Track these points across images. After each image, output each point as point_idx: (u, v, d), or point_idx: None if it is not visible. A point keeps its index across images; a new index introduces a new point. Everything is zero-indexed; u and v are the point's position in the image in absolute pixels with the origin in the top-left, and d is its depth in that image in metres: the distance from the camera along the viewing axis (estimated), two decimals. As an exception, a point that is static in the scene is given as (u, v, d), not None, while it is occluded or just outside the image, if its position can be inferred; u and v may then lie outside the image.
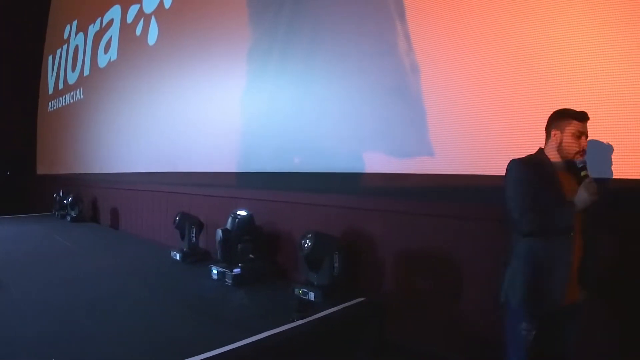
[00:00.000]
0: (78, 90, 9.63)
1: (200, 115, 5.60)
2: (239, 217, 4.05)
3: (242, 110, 4.95)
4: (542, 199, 2.06)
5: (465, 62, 3.11)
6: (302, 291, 3.53)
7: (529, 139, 2.72)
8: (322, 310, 3.24)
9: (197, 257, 4.80)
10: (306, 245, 3.46)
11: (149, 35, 6.83)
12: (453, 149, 3.18)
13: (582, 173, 2.09)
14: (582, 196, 2.03)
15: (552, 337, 2.19)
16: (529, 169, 2.13)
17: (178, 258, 4.83)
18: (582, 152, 2.16)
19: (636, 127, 2.42)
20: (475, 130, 3.05)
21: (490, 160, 2.98)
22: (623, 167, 2.46)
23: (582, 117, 2.16)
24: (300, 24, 4.29)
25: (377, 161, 3.62)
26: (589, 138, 2.18)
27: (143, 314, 3.26)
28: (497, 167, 2.88)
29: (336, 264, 3.49)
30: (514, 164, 2.18)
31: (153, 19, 6.75)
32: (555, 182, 2.13)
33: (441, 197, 3.23)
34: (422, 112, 3.34)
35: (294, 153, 4.31)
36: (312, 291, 3.48)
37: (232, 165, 5.02)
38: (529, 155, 2.24)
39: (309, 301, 3.45)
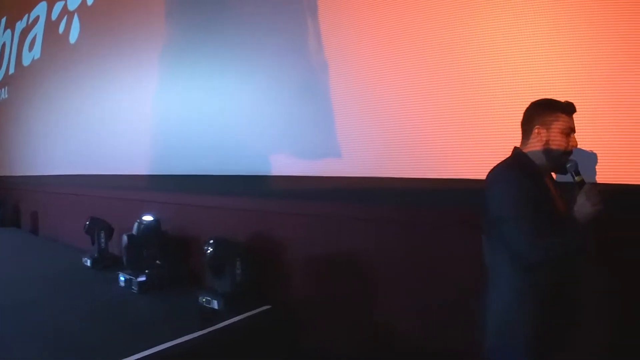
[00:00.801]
0: (3, 90, 9.22)
1: (116, 116, 5.44)
2: (144, 222, 3.93)
3: (155, 111, 4.83)
4: (548, 219, 1.65)
5: (375, 60, 3.05)
6: (205, 299, 3.42)
7: (442, 138, 2.70)
8: (226, 319, 3.15)
9: (107, 263, 4.63)
10: (208, 251, 3.35)
11: (71, 33, 6.58)
12: (360, 150, 3.14)
13: (577, 178, 1.72)
14: (584, 207, 1.61)
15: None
16: (526, 183, 1.69)
17: (89, 264, 4.66)
18: (571, 152, 1.78)
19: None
20: (384, 131, 3.01)
21: (398, 161, 2.95)
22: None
23: (572, 109, 1.79)
24: (215, 21, 4.19)
25: (284, 163, 3.57)
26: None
27: (48, 322, 3.12)
28: (406, 169, 2.91)
29: (238, 271, 3.40)
30: (508, 175, 1.74)
31: (76, 17, 6.51)
32: (550, 194, 1.77)
33: (350, 199, 3.19)
34: (330, 111, 3.29)
35: (205, 155, 4.21)
36: (216, 299, 3.37)
37: (146, 167, 4.88)
38: (513, 159, 1.84)
39: (212, 309, 3.34)
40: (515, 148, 1.86)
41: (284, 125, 3.59)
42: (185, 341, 2.82)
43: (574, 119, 1.80)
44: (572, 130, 1.77)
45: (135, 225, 3.92)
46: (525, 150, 1.82)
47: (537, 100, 1.84)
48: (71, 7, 6.67)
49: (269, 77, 3.68)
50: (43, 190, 7.27)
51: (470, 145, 2.63)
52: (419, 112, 2.84)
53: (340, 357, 3.19)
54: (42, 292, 3.84)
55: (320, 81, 3.36)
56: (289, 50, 3.56)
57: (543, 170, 1.79)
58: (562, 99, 1.80)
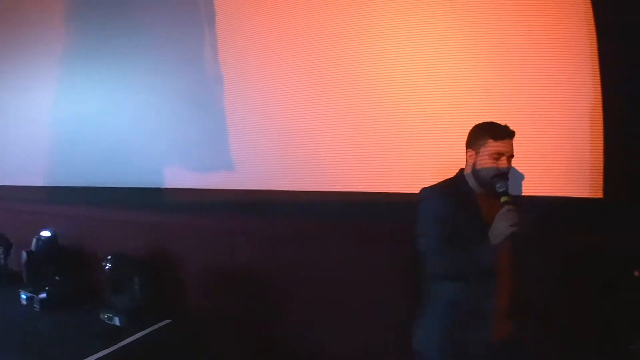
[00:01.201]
0: None
1: (5, 124, 5.20)
2: (42, 237, 3.84)
3: (48, 121, 4.67)
4: (461, 237, 1.74)
5: (272, 74, 3.10)
6: (107, 316, 3.40)
7: (336, 152, 2.80)
8: (128, 336, 3.15)
9: (7, 280, 4.43)
10: (107, 267, 3.34)
11: None
12: (255, 163, 3.20)
13: (502, 199, 1.73)
14: (497, 229, 1.67)
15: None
16: (447, 203, 1.79)
17: (-12, 282, 4.45)
18: (503, 175, 1.78)
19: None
20: (278, 144, 3.09)
21: (292, 174, 3.04)
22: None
23: (500, 134, 1.79)
24: (111, 30, 4.08)
25: (180, 175, 3.59)
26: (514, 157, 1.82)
27: None
28: (301, 182, 3.00)
29: (137, 286, 3.40)
30: (429, 196, 1.84)
31: None
32: (476, 214, 1.82)
33: (244, 212, 3.25)
34: (224, 124, 3.33)
35: (100, 167, 4.14)
36: (117, 315, 3.35)
37: (42, 178, 4.71)
38: (446, 180, 1.91)
39: (115, 326, 3.34)
40: (460, 169, 1.93)
41: (179, 137, 3.59)
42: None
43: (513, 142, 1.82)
44: (501, 154, 1.78)
45: (34, 241, 3.81)
46: (465, 172, 1.90)
47: (477, 124, 1.88)
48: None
49: (164, 88, 3.66)
50: None
51: (363, 159, 2.76)
52: (313, 127, 2.93)
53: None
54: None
55: (216, 94, 3.38)
56: (185, 62, 3.55)
57: (477, 192, 1.84)
58: (504, 123, 1.82)
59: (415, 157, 2.59)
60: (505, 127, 1.80)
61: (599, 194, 2.29)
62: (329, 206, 2.88)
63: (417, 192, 1.86)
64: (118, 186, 3.98)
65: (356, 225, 2.80)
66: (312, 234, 2.98)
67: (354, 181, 2.80)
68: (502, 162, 1.79)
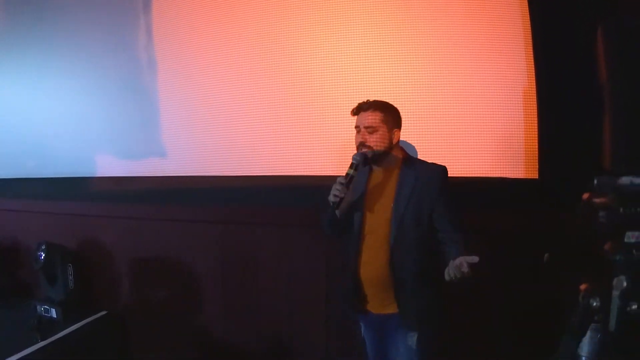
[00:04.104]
0: None
1: None
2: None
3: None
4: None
5: (205, 60, 3.13)
6: (43, 308, 3.26)
7: (269, 138, 2.92)
8: (65, 328, 3.06)
9: None
10: (41, 256, 3.23)
11: None
12: (186, 149, 3.22)
13: (349, 170, 1.99)
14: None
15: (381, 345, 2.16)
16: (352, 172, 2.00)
17: None
18: (363, 145, 2.02)
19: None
20: (209, 130, 3.12)
21: (224, 160, 3.09)
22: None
23: (354, 110, 2.07)
24: (38, 13, 3.85)
25: (108, 163, 3.51)
26: (378, 131, 2.00)
27: None
28: (230, 167, 3.06)
29: (71, 277, 3.30)
30: None
31: None
32: (361, 184, 2.11)
33: (172, 200, 3.27)
34: (156, 111, 3.32)
35: (26, 157, 3.95)
36: (53, 307, 3.22)
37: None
38: None
39: (51, 318, 3.21)
40: None
41: (108, 124, 3.50)
42: (28, 354, 2.74)
43: (367, 117, 2.03)
44: (357, 127, 2.05)
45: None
46: None
47: None
48: None
49: (92, 74, 3.55)
50: None
51: (287, 142, 2.91)
52: (246, 112, 3.01)
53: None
54: None
55: (147, 80, 3.36)
56: (116, 47, 3.46)
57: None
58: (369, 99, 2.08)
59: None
60: (361, 104, 2.06)
61: (535, 175, 2.48)
62: (253, 191, 3.01)
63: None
64: (46, 177, 3.81)
65: (282, 210, 2.97)
66: (244, 220, 3.09)
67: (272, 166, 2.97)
68: (358, 135, 2.04)
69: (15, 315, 3.34)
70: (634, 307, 1.08)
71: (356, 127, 2.06)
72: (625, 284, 1.09)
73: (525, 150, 2.49)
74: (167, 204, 3.28)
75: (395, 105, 2.12)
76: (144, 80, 3.35)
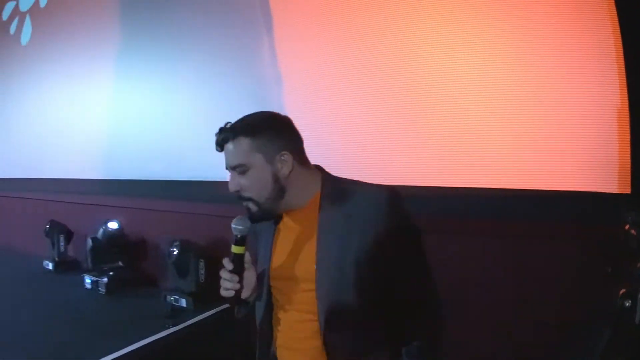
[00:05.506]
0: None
1: (70, 120, 5.43)
2: (108, 227, 4.10)
3: (109, 115, 4.92)
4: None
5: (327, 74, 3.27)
6: (173, 298, 3.65)
7: None
8: (194, 316, 3.40)
9: (68, 266, 4.70)
10: (174, 252, 3.59)
11: (22, 35, 6.45)
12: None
13: (233, 248, 1.59)
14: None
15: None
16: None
17: (50, 267, 4.70)
18: (239, 197, 1.51)
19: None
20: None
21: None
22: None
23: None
24: (166, 17, 4.28)
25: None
26: None
27: (17, 327, 3.20)
28: None
29: (202, 271, 3.63)
30: None
31: (28, 18, 6.38)
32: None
33: None
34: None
35: (159, 161, 4.39)
36: (183, 297, 3.60)
37: (100, 172, 4.99)
38: None
39: (181, 307, 3.58)
40: None
41: None
42: (160, 338, 3.04)
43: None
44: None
45: (101, 230, 4.08)
46: None
47: None
48: (23, 8, 6.52)
49: (221, 86, 3.88)
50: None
51: None
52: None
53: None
54: (7, 296, 3.88)
55: (274, 93, 3.58)
56: (247, 62, 3.77)
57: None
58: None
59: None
60: (216, 134, 1.41)
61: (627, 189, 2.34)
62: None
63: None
64: (174, 179, 4.24)
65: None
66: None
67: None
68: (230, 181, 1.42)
69: (144, 303, 3.72)
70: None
71: (226, 168, 1.45)
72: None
73: (619, 163, 2.33)
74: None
75: (270, 113, 1.46)
76: (271, 92, 3.60)
